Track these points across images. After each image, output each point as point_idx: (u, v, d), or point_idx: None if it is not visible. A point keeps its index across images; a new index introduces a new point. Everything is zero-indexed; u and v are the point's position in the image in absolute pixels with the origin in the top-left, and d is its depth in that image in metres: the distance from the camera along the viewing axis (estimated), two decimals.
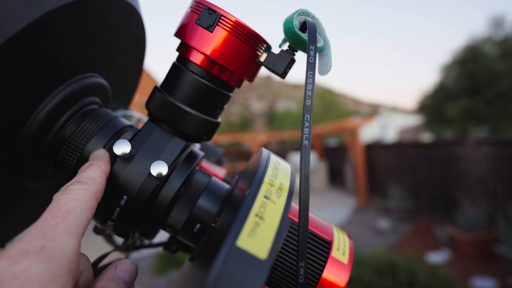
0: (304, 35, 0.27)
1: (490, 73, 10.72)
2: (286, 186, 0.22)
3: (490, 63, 10.96)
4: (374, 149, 7.61)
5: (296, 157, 8.10)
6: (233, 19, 0.27)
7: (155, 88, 0.30)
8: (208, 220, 0.30)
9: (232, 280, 0.15)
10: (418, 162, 5.86)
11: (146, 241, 0.40)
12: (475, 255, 3.72)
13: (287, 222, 0.26)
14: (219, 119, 0.32)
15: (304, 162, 0.22)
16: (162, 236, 0.40)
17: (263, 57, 0.29)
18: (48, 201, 0.39)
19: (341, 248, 0.27)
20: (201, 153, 0.33)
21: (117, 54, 0.36)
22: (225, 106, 0.31)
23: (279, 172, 0.23)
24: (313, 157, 9.00)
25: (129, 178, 0.27)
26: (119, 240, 0.40)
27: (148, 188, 0.28)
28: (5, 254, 0.17)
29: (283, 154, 10.74)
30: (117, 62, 0.37)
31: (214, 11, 0.27)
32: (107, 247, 0.38)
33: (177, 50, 0.30)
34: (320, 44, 0.28)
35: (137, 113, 0.44)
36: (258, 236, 0.17)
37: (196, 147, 0.36)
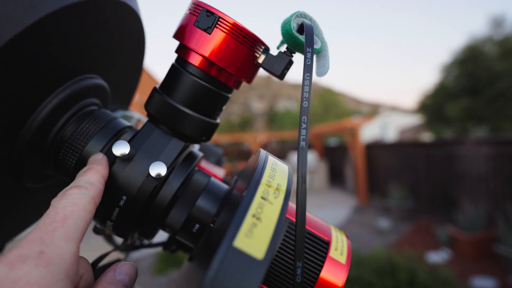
0: (301, 37, 0.27)
1: (490, 72, 10.72)
2: (284, 187, 0.22)
3: (490, 63, 10.96)
4: (374, 148, 7.61)
5: (295, 157, 8.09)
6: (231, 21, 0.27)
7: (154, 89, 0.30)
8: (207, 220, 0.30)
9: (229, 280, 0.16)
10: (418, 162, 5.86)
11: (146, 241, 0.40)
12: (475, 255, 3.73)
13: (284, 222, 0.26)
14: (218, 120, 0.32)
15: (302, 163, 0.23)
16: (162, 236, 0.40)
17: (261, 58, 0.29)
18: (48, 201, 0.40)
19: (339, 248, 0.27)
20: (200, 154, 0.34)
21: (117, 55, 0.36)
22: (223, 107, 0.32)
23: (277, 173, 0.24)
24: (313, 156, 8.99)
25: (128, 179, 0.28)
26: (118, 240, 0.41)
27: (147, 188, 0.28)
28: (3, 259, 0.17)
29: (283, 154, 10.74)
30: (116, 63, 0.37)
31: (212, 13, 0.27)
32: (107, 247, 0.38)
33: (176, 51, 0.30)
34: (317, 46, 0.28)
35: (136, 114, 0.44)
36: (255, 236, 0.17)
37: (195, 147, 0.37)
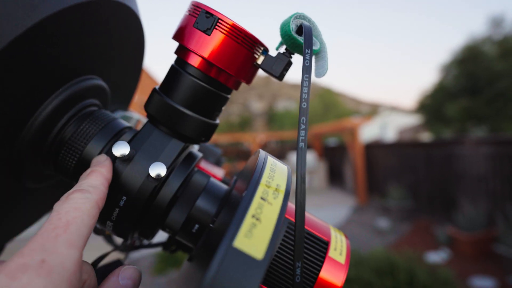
0: (300, 38, 0.27)
1: (489, 72, 10.73)
2: (283, 188, 0.22)
3: (489, 63, 10.97)
4: (374, 148, 7.61)
5: (295, 157, 8.09)
6: (230, 22, 0.27)
7: (154, 90, 0.30)
8: (207, 220, 0.30)
9: (229, 280, 0.16)
10: (418, 162, 5.86)
11: (145, 241, 0.40)
12: (475, 255, 3.73)
13: (284, 222, 0.26)
14: (217, 121, 0.32)
15: (301, 163, 0.23)
16: (162, 236, 0.40)
17: (260, 59, 0.29)
18: (48, 201, 0.40)
19: (338, 248, 0.27)
20: (200, 154, 0.34)
21: (116, 56, 0.36)
22: (223, 108, 0.32)
23: (276, 174, 0.24)
24: (313, 156, 9.00)
25: (128, 179, 0.28)
26: (118, 240, 0.41)
27: (147, 189, 0.28)
28: (4, 269, 0.17)
29: (282, 154, 10.74)
30: (116, 64, 0.37)
31: (212, 15, 0.27)
32: (107, 247, 0.38)
33: (175, 53, 0.30)
34: (316, 47, 0.28)
35: (136, 114, 0.44)
36: (254, 237, 0.18)
37: (195, 148, 0.37)
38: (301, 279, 0.21)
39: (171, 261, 3.53)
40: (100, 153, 0.30)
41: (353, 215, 6.17)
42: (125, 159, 0.28)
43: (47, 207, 0.41)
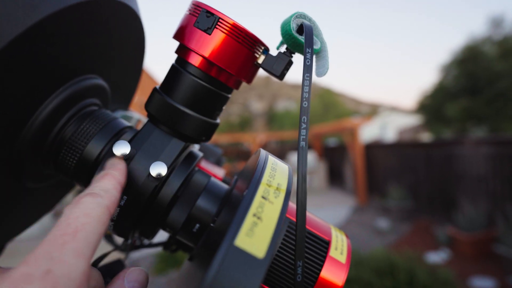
0: (301, 37, 0.27)
1: (489, 72, 10.73)
2: (284, 187, 0.22)
3: (489, 63, 10.97)
4: (374, 149, 7.61)
5: (295, 157, 8.10)
6: (231, 21, 0.27)
7: (154, 89, 0.30)
8: (207, 220, 0.30)
9: (230, 279, 0.16)
10: (418, 162, 5.86)
11: (146, 241, 0.40)
12: (475, 255, 3.73)
13: (285, 222, 0.26)
14: (218, 120, 0.32)
15: (302, 162, 0.23)
16: (162, 236, 0.40)
17: (261, 59, 0.29)
18: (48, 201, 0.40)
19: (339, 248, 0.27)
20: (200, 154, 0.34)
21: (117, 56, 0.36)
22: (223, 107, 0.32)
23: (277, 173, 0.24)
24: (313, 157, 9.00)
25: (129, 179, 0.28)
26: (119, 240, 0.41)
27: (147, 188, 0.28)
28: (8, 278, 0.16)
29: (282, 154, 10.74)
30: (116, 64, 0.37)
31: (212, 14, 0.27)
32: (107, 247, 0.38)
33: (176, 52, 0.30)
34: (317, 46, 0.28)
35: (136, 114, 0.44)
36: (256, 235, 0.17)
37: (195, 147, 0.37)
38: (302, 278, 0.21)
39: (171, 261, 3.53)
40: (100, 152, 0.30)
41: (353, 215, 6.17)
42: (125, 158, 0.28)
43: (47, 207, 0.41)
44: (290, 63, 0.29)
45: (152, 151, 0.29)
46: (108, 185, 0.24)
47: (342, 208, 6.70)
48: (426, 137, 14.71)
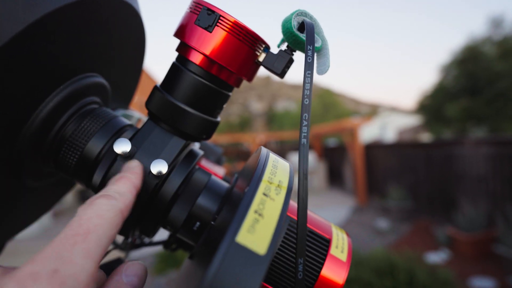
0: (302, 35, 0.27)
1: (489, 73, 10.74)
2: (285, 184, 0.22)
3: (489, 63, 10.98)
4: (374, 149, 7.61)
5: (295, 157, 8.11)
6: (232, 19, 0.27)
7: (155, 87, 0.30)
8: (208, 218, 0.30)
9: (231, 275, 0.16)
10: (417, 162, 5.86)
11: (146, 239, 0.40)
12: (474, 255, 3.73)
13: (286, 219, 0.26)
14: (219, 118, 0.32)
15: (303, 160, 0.23)
16: (162, 235, 0.40)
17: (261, 57, 0.29)
18: (47, 200, 0.40)
19: (340, 246, 0.27)
20: (201, 152, 0.34)
21: (117, 54, 0.36)
22: (224, 106, 0.32)
23: (278, 170, 0.24)
24: (313, 157, 9.00)
25: None
26: (119, 238, 0.41)
27: (148, 186, 0.28)
28: (15, 276, 0.16)
29: (282, 154, 10.74)
30: (117, 62, 0.37)
31: (213, 12, 0.27)
32: None
33: (177, 50, 0.30)
34: (318, 44, 0.28)
35: (136, 113, 0.44)
36: (257, 232, 0.17)
37: (196, 146, 0.37)
38: (304, 275, 0.21)
39: (171, 261, 3.53)
40: (101, 150, 0.30)
41: (353, 215, 6.17)
42: (126, 156, 0.28)
43: (46, 206, 0.41)
44: (291, 61, 0.29)
45: (152, 149, 0.29)
46: (123, 188, 0.24)
47: (342, 208, 6.70)
48: (426, 137, 14.72)
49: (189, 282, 0.23)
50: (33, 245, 3.91)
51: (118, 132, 0.31)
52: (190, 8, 0.28)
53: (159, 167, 0.27)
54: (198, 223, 0.30)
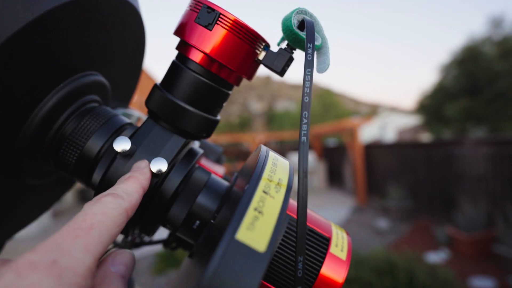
0: (302, 33, 0.27)
1: (489, 73, 10.73)
2: (285, 182, 0.22)
3: (489, 63, 10.97)
4: (373, 149, 7.61)
5: (295, 156, 8.10)
6: (232, 17, 0.27)
7: (155, 86, 0.30)
8: (208, 216, 0.30)
9: (231, 272, 0.16)
10: (417, 162, 5.86)
11: (146, 238, 0.40)
12: (474, 255, 3.73)
13: (285, 217, 0.26)
14: (218, 117, 0.32)
15: (303, 158, 0.23)
16: (162, 235, 0.40)
17: (261, 55, 0.29)
18: (47, 200, 0.40)
19: (340, 245, 0.27)
20: (201, 151, 0.34)
21: (117, 53, 0.36)
22: (224, 104, 0.32)
23: (278, 168, 0.24)
24: (312, 157, 9.00)
25: None
26: (119, 236, 0.41)
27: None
28: (13, 265, 0.16)
29: (282, 154, 10.62)
30: (117, 61, 0.37)
31: (213, 10, 0.27)
32: None
33: (177, 48, 0.30)
34: (318, 42, 0.28)
35: (136, 112, 0.44)
36: (257, 229, 0.17)
37: (196, 144, 0.37)
38: (303, 273, 0.21)
39: (171, 261, 3.53)
40: (101, 149, 0.30)
41: (353, 215, 6.17)
42: (126, 154, 0.28)
43: (46, 205, 0.41)
44: (291, 59, 0.29)
45: (152, 148, 0.29)
46: (131, 188, 0.24)
47: (342, 208, 6.70)
48: (426, 137, 14.72)
49: (189, 281, 0.23)
50: (33, 245, 3.89)
51: (118, 130, 0.31)
52: (190, 6, 0.28)
53: (159, 165, 0.27)
54: (197, 222, 0.30)
